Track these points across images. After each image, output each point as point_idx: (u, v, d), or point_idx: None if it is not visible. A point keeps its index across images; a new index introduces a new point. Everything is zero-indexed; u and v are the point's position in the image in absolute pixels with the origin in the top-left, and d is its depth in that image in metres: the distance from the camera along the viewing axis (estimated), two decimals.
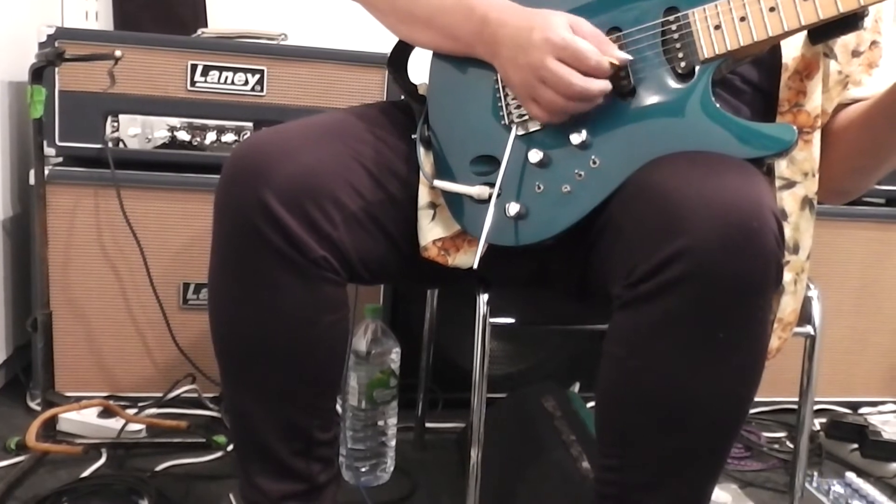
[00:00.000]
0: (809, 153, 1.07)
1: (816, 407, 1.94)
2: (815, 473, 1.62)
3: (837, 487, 1.56)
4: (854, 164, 1.10)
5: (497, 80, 1.04)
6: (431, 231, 1.08)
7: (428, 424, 1.71)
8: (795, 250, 1.07)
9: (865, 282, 2.01)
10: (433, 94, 1.10)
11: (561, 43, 0.94)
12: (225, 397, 1.10)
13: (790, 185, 1.07)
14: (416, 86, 1.14)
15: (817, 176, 1.07)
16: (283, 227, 0.96)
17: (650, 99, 0.97)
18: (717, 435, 0.95)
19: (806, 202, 1.08)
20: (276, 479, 1.06)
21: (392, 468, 1.56)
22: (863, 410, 1.98)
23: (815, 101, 1.06)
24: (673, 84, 0.97)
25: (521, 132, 1.02)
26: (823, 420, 1.83)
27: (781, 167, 1.06)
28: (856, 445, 1.75)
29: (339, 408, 1.52)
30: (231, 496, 1.12)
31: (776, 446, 1.81)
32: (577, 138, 0.98)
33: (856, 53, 1.10)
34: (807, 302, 1.26)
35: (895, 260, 2.02)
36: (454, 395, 1.75)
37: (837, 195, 1.15)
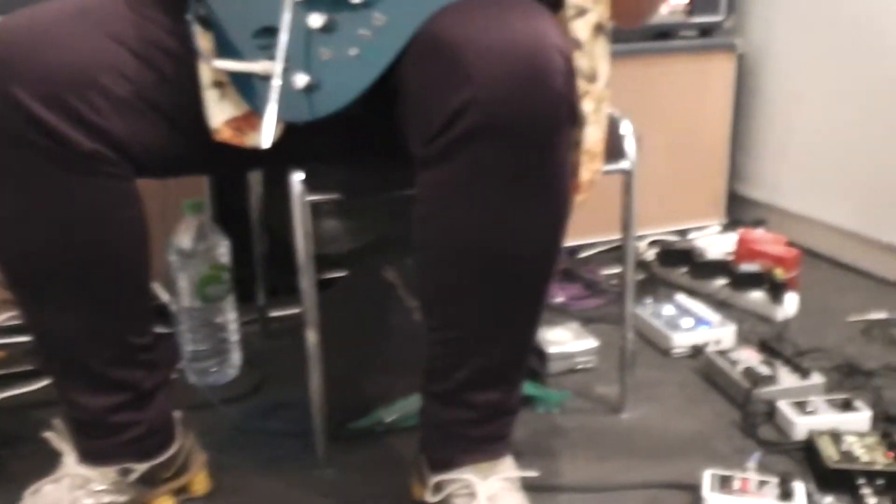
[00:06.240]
0: None
1: (650, 239, 2.04)
2: (651, 300, 1.71)
3: (668, 309, 1.65)
4: None
5: None
6: (222, 112, 0.99)
7: (273, 314, 1.68)
8: (593, 79, 1.06)
9: (685, 113, 2.07)
10: None
11: None
12: (23, 320, 1.01)
13: (581, 13, 1.03)
14: None
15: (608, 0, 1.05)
16: (44, 126, 0.87)
17: None
18: (534, 278, 0.96)
19: (599, 29, 1.05)
20: (96, 393, 1.01)
21: (239, 363, 1.53)
22: (691, 236, 2.09)
23: None
24: None
25: None
26: (658, 251, 1.93)
27: None
28: (685, 269, 1.87)
29: (174, 309, 1.47)
30: (54, 421, 1.06)
31: (614, 281, 1.89)
32: None
33: None
34: (620, 140, 1.28)
35: (712, 89, 2.09)
36: (295, 279, 1.71)
37: (624, 17, 1.11)
